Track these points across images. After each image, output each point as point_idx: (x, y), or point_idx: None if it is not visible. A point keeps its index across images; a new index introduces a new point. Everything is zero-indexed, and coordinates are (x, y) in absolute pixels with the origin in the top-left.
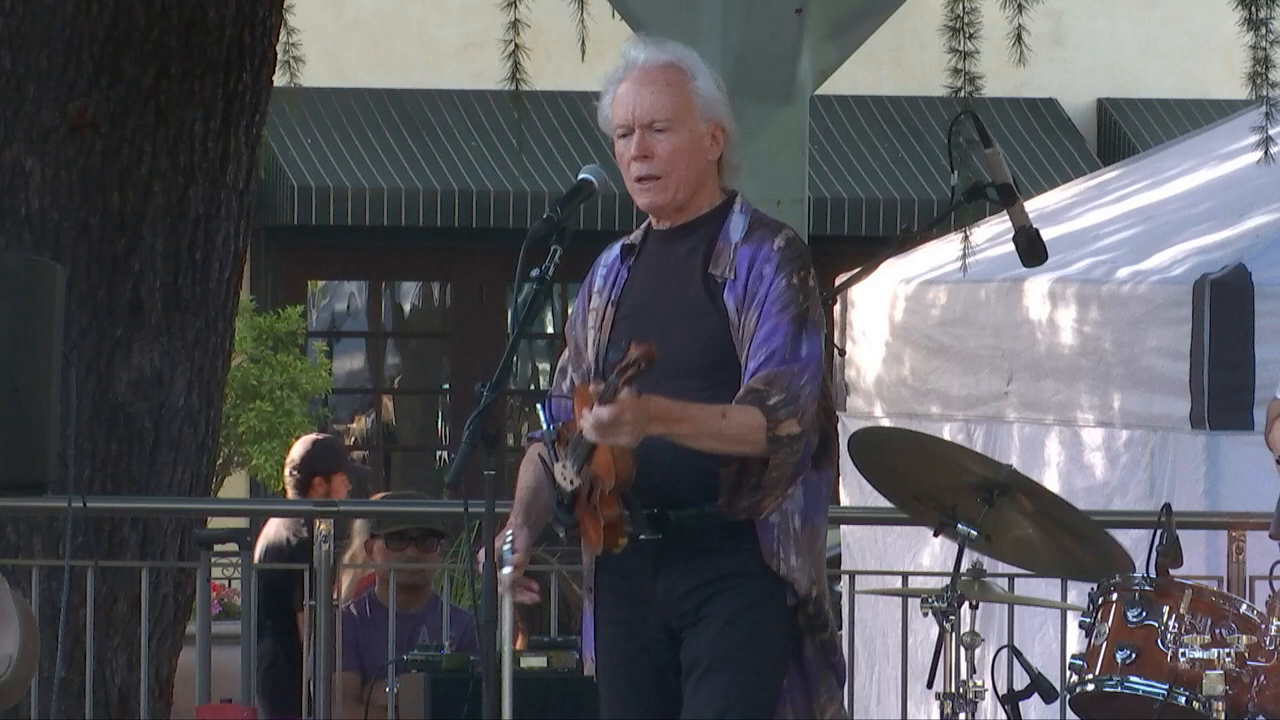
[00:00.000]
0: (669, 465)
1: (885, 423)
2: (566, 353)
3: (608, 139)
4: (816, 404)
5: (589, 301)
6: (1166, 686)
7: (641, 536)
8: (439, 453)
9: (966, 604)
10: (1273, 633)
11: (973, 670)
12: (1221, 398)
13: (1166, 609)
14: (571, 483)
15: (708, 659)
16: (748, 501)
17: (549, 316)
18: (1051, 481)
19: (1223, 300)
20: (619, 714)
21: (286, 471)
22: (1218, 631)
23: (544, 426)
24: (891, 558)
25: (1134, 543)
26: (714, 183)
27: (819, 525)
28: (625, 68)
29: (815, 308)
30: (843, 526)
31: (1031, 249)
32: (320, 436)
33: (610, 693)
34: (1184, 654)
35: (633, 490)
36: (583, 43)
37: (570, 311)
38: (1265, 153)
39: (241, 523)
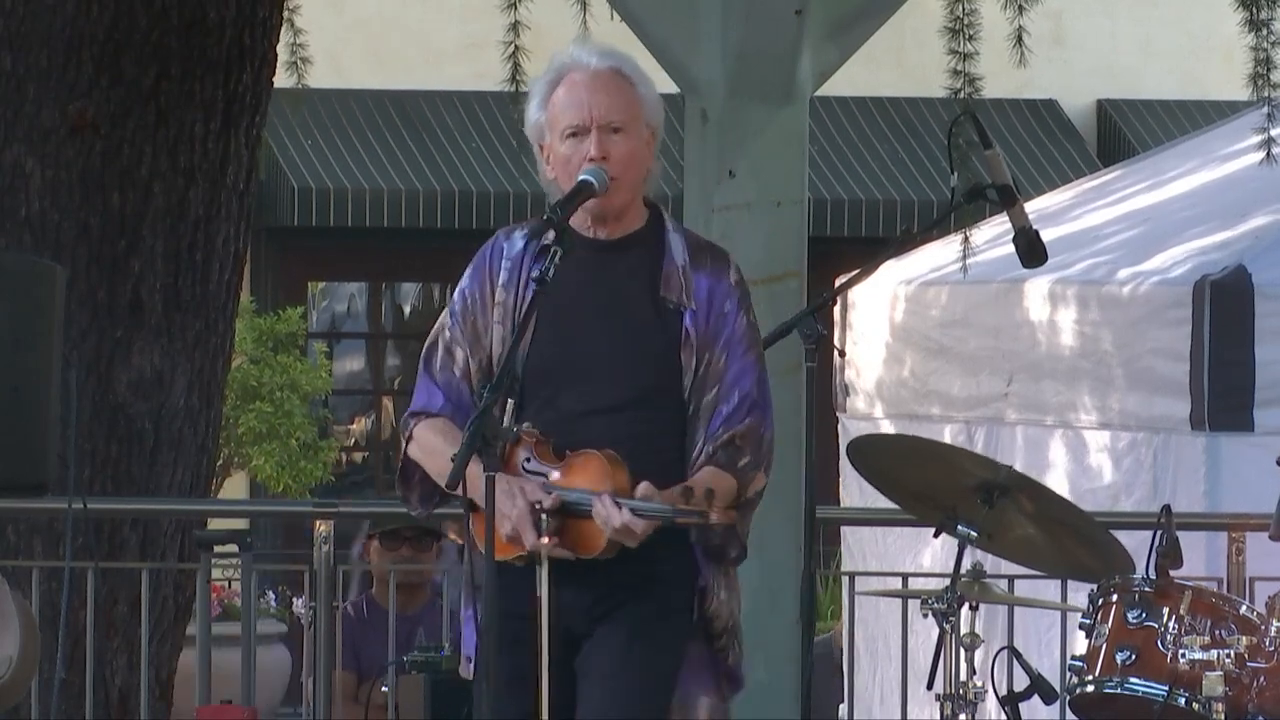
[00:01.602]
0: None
1: (885, 424)
2: (450, 330)
3: (525, 141)
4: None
5: (490, 292)
6: (1166, 688)
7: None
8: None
9: (966, 605)
10: (1272, 634)
11: (973, 671)
12: (1221, 399)
13: (1166, 610)
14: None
15: (612, 663)
16: (714, 542)
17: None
18: (1051, 483)
19: (1223, 301)
20: (491, 711)
21: None
22: (1217, 633)
23: (430, 396)
24: (893, 558)
25: (1137, 544)
26: (642, 192)
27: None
28: (569, 68)
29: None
30: (843, 528)
31: (1031, 250)
32: None
33: (489, 696)
34: (1184, 655)
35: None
36: None
37: (473, 293)
38: (1268, 154)
39: (242, 524)
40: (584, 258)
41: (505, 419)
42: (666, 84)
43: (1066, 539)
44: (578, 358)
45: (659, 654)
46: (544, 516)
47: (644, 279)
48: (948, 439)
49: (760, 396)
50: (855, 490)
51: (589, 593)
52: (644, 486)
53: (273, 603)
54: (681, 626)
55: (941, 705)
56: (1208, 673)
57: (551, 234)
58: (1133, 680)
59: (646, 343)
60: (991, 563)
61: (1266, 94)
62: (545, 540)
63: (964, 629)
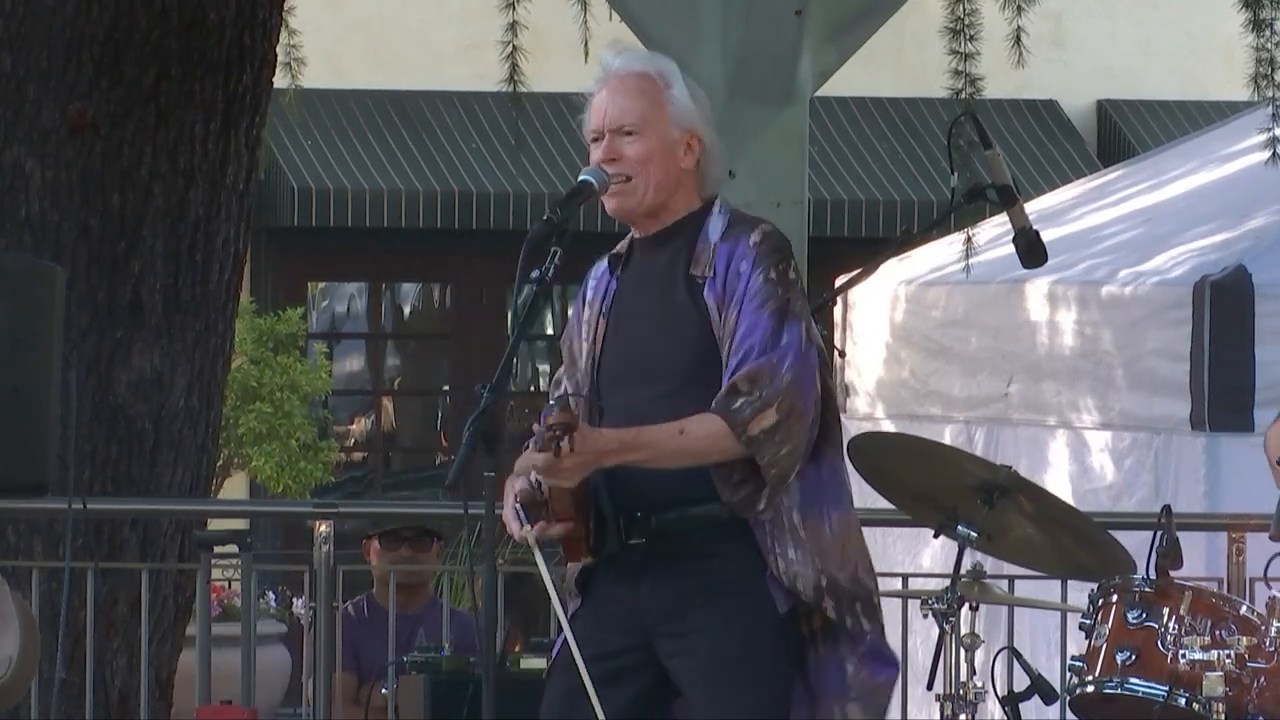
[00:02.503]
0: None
1: (886, 424)
2: (564, 364)
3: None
4: (809, 389)
5: (583, 313)
6: (1166, 688)
7: (629, 543)
8: (439, 455)
9: (966, 605)
10: (1273, 634)
11: (973, 672)
12: (1221, 399)
13: (1166, 610)
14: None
15: (703, 676)
16: (738, 496)
17: (548, 318)
18: (1052, 483)
19: (1223, 301)
20: (560, 712)
21: None
22: (1218, 633)
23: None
24: (893, 559)
25: (1139, 545)
26: (689, 191)
27: (826, 514)
28: (602, 76)
29: (796, 298)
30: None
31: (1031, 250)
32: None
33: (554, 690)
34: (1184, 655)
35: (609, 501)
36: (585, 44)
37: (569, 318)
38: (1273, 154)
39: (242, 524)
40: (638, 258)
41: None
42: None
43: (1066, 540)
44: (634, 354)
45: (747, 659)
46: (517, 506)
47: (683, 261)
48: (948, 439)
49: (773, 342)
50: (855, 490)
51: (663, 591)
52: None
53: (272, 603)
54: (765, 625)
55: (941, 705)
56: (1208, 673)
57: (624, 245)
58: (1133, 680)
59: (681, 322)
60: (992, 563)
61: (1270, 94)
62: (525, 529)
63: (964, 629)
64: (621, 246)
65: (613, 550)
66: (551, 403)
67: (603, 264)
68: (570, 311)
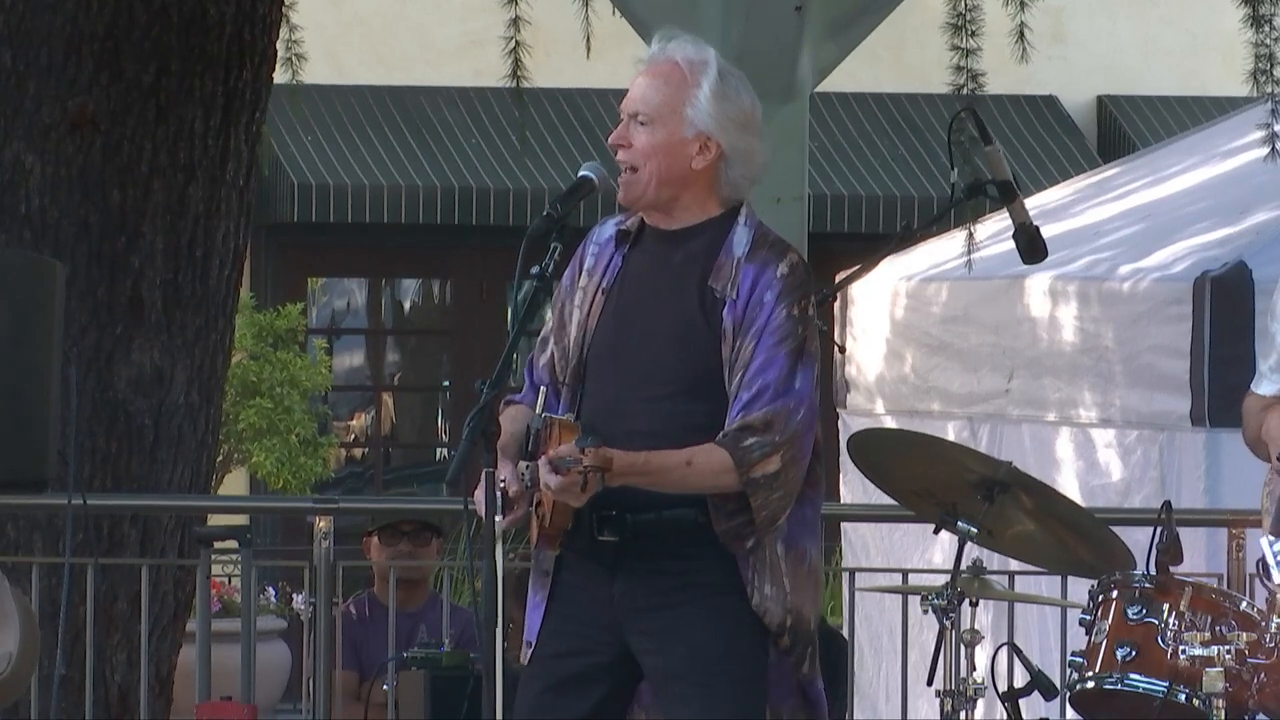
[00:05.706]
0: None
1: (886, 420)
2: (550, 322)
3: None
4: (810, 437)
5: (579, 277)
6: (1166, 684)
7: (599, 538)
8: (439, 450)
9: (966, 601)
10: (1273, 630)
11: (973, 667)
12: (1222, 395)
13: (1167, 606)
14: (527, 486)
15: (681, 674)
16: (730, 525)
17: (548, 314)
18: (1050, 480)
19: (1223, 297)
20: (535, 712)
21: None
22: (1218, 629)
23: (525, 387)
24: (899, 555)
25: (1143, 542)
26: (704, 192)
27: (806, 548)
28: (646, 59)
29: (812, 338)
30: (844, 524)
31: (1031, 246)
32: None
33: (529, 688)
34: (1184, 651)
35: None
36: (587, 40)
37: (564, 282)
38: (1272, 149)
39: (241, 520)
40: (649, 246)
41: (536, 406)
42: None
43: (1065, 535)
44: (628, 345)
45: (728, 655)
46: (499, 493)
47: (698, 269)
48: (950, 436)
49: (788, 385)
50: (857, 486)
51: (639, 590)
52: (564, 447)
53: (272, 599)
54: (747, 625)
55: (942, 701)
56: (1208, 669)
57: (632, 219)
58: (1133, 676)
59: (689, 333)
60: (999, 561)
61: (1269, 90)
62: (499, 517)
63: (964, 625)
64: (631, 223)
65: (582, 544)
66: (588, 438)
67: (607, 231)
68: (566, 270)
